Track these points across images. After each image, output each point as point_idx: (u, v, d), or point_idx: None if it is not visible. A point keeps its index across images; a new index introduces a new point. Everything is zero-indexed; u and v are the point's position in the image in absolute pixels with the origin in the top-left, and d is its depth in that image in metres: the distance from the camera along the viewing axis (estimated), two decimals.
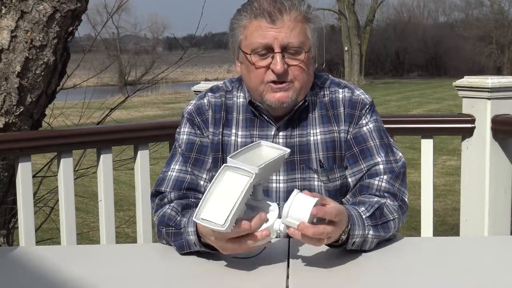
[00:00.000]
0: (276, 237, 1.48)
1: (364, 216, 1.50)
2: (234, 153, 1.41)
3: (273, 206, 1.43)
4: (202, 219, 1.31)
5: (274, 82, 1.61)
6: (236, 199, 1.31)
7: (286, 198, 1.65)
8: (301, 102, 1.66)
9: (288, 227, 1.35)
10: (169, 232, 1.57)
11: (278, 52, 1.59)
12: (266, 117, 1.69)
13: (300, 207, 1.33)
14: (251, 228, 1.34)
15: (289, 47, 1.59)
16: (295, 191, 1.37)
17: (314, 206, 1.33)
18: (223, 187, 1.34)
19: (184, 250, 1.52)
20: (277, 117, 1.69)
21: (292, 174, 1.68)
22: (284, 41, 1.58)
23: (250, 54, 1.61)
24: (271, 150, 1.45)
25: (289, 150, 1.46)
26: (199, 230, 1.46)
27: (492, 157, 2.66)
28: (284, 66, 1.59)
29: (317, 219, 1.36)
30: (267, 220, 1.37)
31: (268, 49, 1.60)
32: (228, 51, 1.76)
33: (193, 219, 1.34)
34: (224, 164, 1.37)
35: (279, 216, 1.40)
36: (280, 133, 1.69)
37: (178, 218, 1.56)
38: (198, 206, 1.33)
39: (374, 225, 1.51)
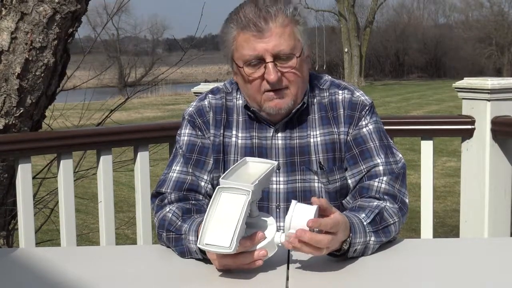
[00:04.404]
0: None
1: (365, 223, 1.50)
2: (223, 174, 1.40)
3: (270, 220, 1.42)
4: (206, 244, 1.32)
5: (269, 90, 1.61)
6: (237, 219, 1.31)
7: (286, 200, 1.66)
8: (299, 105, 1.67)
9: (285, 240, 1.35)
10: (169, 237, 1.57)
11: (270, 62, 1.58)
12: (264, 121, 1.69)
13: (301, 217, 1.33)
14: (252, 245, 1.35)
15: (281, 55, 1.59)
16: (293, 202, 1.36)
17: (314, 212, 1.33)
18: (221, 209, 1.34)
19: (185, 256, 1.53)
20: (275, 120, 1.69)
21: (292, 175, 1.68)
22: (275, 50, 1.58)
23: (242, 68, 1.61)
24: (258, 165, 1.45)
25: (276, 163, 1.45)
26: None
27: (492, 159, 2.66)
28: (277, 75, 1.59)
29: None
30: (265, 238, 1.37)
31: (260, 59, 1.59)
32: None
33: (198, 245, 1.34)
34: (218, 187, 1.37)
35: (278, 229, 1.40)
36: (279, 134, 1.69)
37: (179, 223, 1.56)
38: (200, 232, 1.33)
39: (375, 230, 1.51)
